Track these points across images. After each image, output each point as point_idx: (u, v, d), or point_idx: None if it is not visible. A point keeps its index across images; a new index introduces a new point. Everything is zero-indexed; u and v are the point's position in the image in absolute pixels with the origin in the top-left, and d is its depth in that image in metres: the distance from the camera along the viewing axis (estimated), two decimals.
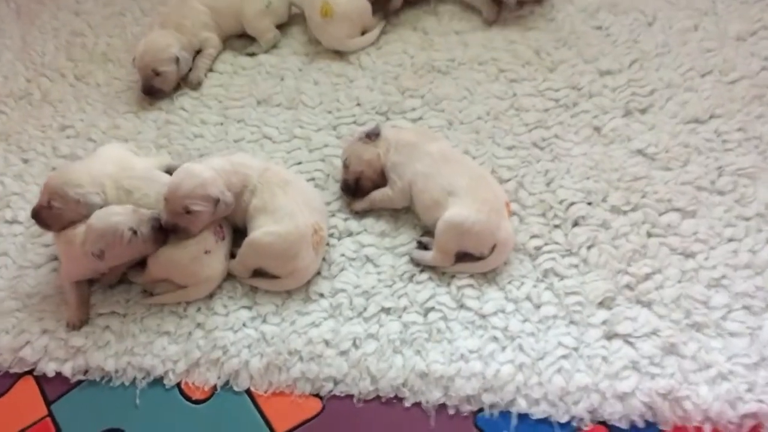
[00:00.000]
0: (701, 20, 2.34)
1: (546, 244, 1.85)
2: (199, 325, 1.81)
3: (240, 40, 2.58)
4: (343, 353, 1.71)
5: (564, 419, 1.58)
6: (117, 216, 1.73)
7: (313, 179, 2.08)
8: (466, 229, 1.72)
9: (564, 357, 1.65)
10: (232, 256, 1.87)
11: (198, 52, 2.49)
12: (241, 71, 2.48)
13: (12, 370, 1.82)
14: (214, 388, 1.74)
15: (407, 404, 1.65)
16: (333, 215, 1.98)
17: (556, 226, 1.88)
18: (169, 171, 1.92)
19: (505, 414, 1.61)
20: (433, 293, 1.78)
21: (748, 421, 1.54)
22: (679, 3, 2.41)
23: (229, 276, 1.87)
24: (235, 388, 1.73)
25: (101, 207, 1.79)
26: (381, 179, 1.95)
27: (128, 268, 1.87)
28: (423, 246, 1.86)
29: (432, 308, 1.76)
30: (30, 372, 1.82)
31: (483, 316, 1.74)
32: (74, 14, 2.86)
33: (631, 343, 1.66)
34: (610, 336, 1.68)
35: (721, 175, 1.93)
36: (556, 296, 1.75)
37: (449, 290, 1.79)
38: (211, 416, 1.69)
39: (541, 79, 2.26)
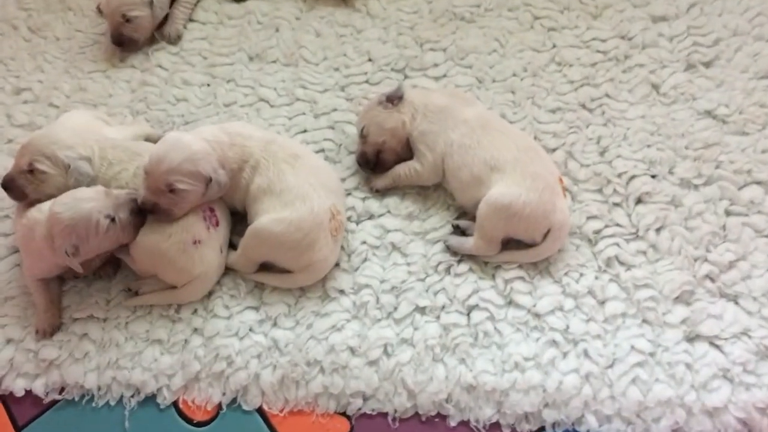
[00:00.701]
0: None
1: (606, 226, 1.75)
2: (196, 330, 1.69)
3: None
4: (373, 363, 1.61)
5: None
6: (88, 202, 1.57)
7: (322, 150, 1.96)
8: (515, 211, 1.61)
9: (639, 365, 1.56)
10: (233, 246, 1.74)
11: None
12: (227, 21, 2.34)
13: None
14: (219, 407, 1.63)
15: (452, 423, 1.57)
16: (349, 194, 1.86)
17: (616, 204, 1.78)
18: (150, 142, 1.83)
19: None
20: (475, 288, 1.68)
21: None
22: None
23: (230, 270, 1.74)
24: (244, 407, 1.62)
25: (89, 183, 1.66)
26: (405, 151, 1.82)
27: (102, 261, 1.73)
28: (460, 231, 1.75)
29: (475, 306, 1.66)
30: None
31: (537, 315, 1.64)
32: None
33: (718, 347, 1.57)
34: (692, 338, 1.59)
35: None
36: (624, 290, 1.66)
37: (495, 284, 1.68)
38: None
39: (584, 27, 2.16)
